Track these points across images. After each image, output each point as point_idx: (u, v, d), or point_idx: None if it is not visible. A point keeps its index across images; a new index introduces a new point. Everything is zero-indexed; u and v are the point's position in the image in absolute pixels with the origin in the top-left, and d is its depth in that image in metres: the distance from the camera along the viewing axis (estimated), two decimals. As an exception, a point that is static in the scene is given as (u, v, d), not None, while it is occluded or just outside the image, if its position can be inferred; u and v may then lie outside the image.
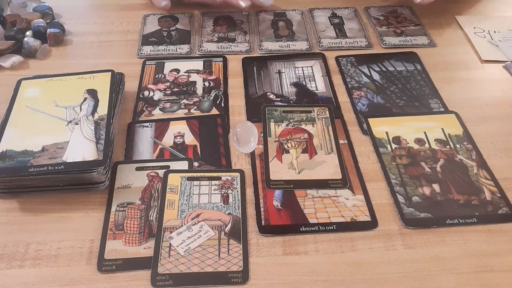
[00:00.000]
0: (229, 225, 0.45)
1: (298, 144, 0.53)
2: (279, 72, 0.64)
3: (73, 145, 0.48)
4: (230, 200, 0.48)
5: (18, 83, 0.56)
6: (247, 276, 0.42)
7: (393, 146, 0.53)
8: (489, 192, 0.48)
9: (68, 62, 0.66)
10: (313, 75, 0.64)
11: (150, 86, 0.62)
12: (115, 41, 0.70)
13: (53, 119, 0.51)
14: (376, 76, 0.63)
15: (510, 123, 0.57)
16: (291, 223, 0.46)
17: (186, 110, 0.58)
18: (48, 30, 0.68)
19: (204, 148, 0.53)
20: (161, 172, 0.50)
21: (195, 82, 0.62)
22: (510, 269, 0.42)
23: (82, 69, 0.58)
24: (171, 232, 0.45)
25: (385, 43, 0.68)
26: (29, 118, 0.51)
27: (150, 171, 0.50)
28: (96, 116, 0.51)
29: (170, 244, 0.44)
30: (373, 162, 0.52)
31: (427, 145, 0.53)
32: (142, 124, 0.56)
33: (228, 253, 0.43)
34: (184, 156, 0.52)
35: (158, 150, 0.53)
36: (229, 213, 0.46)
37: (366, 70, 0.64)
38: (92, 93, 0.54)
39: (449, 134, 0.54)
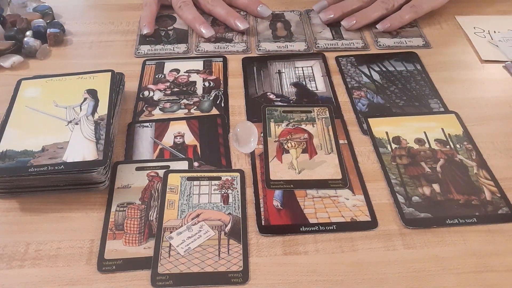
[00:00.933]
0: (229, 225, 0.45)
1: (298, 144, 0.53)
2: (279, 72, 0.64)
3: (73, 145, 0.48)
4: (230, 200, 0.48)
5: (18, 83, 0.56)
6: (247, 276, 0.42)
7: (393, 146, 0.53)
8: (489, 192, 0.48)
9: (68, 62, 0.66)
10: (313, 75, 0.64)
11: (150, 86, 0.62)
12: (115, 41, 0.70)
13: (53, 119, 0.51)
14: (376, 76, 0.63)
15: (510, 123, 0.57)
16: (291, 223, 0.46)
17: (186, 110, 0.58)
18: (48, 30, 0.68)
19: (204, 148, 0.53)
20: (161, 172, 0.50)
21: (195, 82, 0.62)
22: (510, 269, 0.42)
23: (82, 69, 0.58)
24: (171, 232, 0.45)
25: (380, 45, 0.68)
26: (29, 118, 0.51)
27: (150, 171, 0.50)
28: (96, 116, 0.51)
29: (170, 244, 0.44)
30: (373, 162, 0.52)
31: (427, 145, 0.53)
32: (142, 124, 0.56)
33: (228, 253, 0.43)
34: (184, 156, 0.52)
35: (158, 150, 0.53)
36: (229, 213, 0.46)
37: (366, 70, 0.64)
38: (92, 93, 0.54)
39: (449, 134, 0.54)
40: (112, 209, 0.47)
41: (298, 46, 0.68)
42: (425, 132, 0.55)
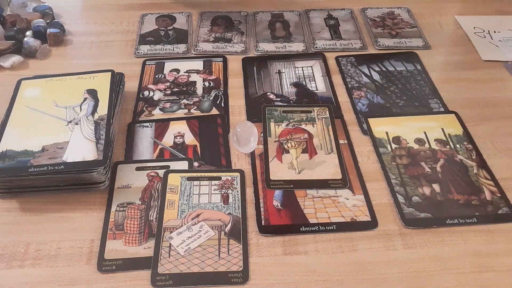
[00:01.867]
0: (229, 225, 0.45)
1: (298, 144, 0.53)
2: (279, 72, 0.64)
3: (73, 145, 0.48)
4: (230, 200, 0.47)
5: (18, 83, 0.56)
6: (247, 276, 0.42)
7: (393, 146, 0.53)
8: (489, 192, 0.48)
9: (68, 62, 0.66)
10: (313, 75, 0.64)
11: (150, 86, 0.62)
12: (115, 41, 0.70)
13: (53, 119, 0.51)
14: (376, 76, 0.63)
15: (510, 123, 0.57)
16: (291, 223, 0.46)
17: (186, 110, 0.58)
18: (48, 30, 0.68)
19: (204, 148, 0.53)
20: (161, 172, 0.50)
21: (195, 82, 0.62)
22: (510, 269, 0.42)
23: (82, 69, 0.58)
24: (171, 232, 0.45)
25: (379, 45, 0.68)
26: (29, 118, 0.51)
27: (150, 171, 0.50)
28: (96, 116, 0.51)
29: (170, 244, 0.44)
30: (373, 162, 0.52)
31: (427, 145, 0.53)
32: (142, 124, 0.56)
33: (228, 253, 0.43)
34: (184, 156, 0.52)
35: (158, 150, 0.53)
36: (229, 213, 0.46)
37: (366, 70, 0.64)
38: (92, 93, 0.54)
39: (449, 134, 0.54)
40: (112, 209, 0.47)
41: (296, 46, 0.68)
42: (425, 132, 0.55)
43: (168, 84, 0.62)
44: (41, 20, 0.70)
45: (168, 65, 0.65)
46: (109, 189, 0.48)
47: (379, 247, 0.44)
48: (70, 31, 0.71)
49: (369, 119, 0.56)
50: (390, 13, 0.75)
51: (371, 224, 0.46)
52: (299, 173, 0.50)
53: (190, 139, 0.54)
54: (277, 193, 0.49)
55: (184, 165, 0.51)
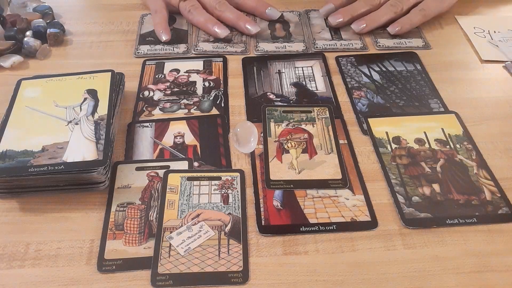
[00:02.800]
0: (229, 225, 0.45)
1: (298, 144, 0.53)
2: (279, 72, 0.64)
3: (73, 145, 0.48)
4: (230, 200, 0.48)
5: (18, 83, 0.56)
6: (247, 276, 0.42)
7: (393, 146, 0.53)
8: (489, 192, 0.48)
9: (68, 62, 0.66)
10: (313, 75, 0.64)
11: (150, 86, 0.62)
12: (115, 41, 0.70)
13: (53, 119, 0.51)
14: (376, 76, 0.63)
15: (510, 123, 0.57)
16: (291, 223, 0.46)
17: (186, 110, 0.58)
18: (48, 30, 0.68)
19: (204, 148, 0.53)
20: (161, 172, 0.50)
21: (195, 82, 0.62)
22: (510, 269, 0.42)
23: (82, 69, 0.58)
24: (171, 232, 0.45)
25: (379, 45, 0.68)
26: (29, 118, 0.51)
27: (150, 171, 0.50)
28: (96, 116, 0.51)
29: (170, 244, 0.44)
30: (373, 162, 0.52)
31: (427, 145, 0.53)
32: (142, 124, 0.56)
33: (228, 253, 0.43)
34: (184, 156, 0.52)
35: (158, 150, 0.53)
36: (229, 213, 0.46)
37: (366, 70, 0.64)
38: (92, 93, 0.54)
39: (449, 134, 0.54)
40: (112, 209, 0.47)
41: (296, 46, 0.68)
42: (425, 132, 0.55)
43: (168, 84, 0.62)
44: (41, 20, 0.70)
45: (168, 65, 0.65)
46: (109, 189, 0.48)
47: (379, 247, 0.44)
48: (70, 31, 0.71)
49: (369, 119, 0.56)
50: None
51: (371, 224, 0.46)
52: (299, 173, 0.50)
53: (190, 139, 0.54)
54: (277, 193, 0.49)
55: (184, 165, 0.51)
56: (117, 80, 0.56)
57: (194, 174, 0.50)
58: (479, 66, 0.65)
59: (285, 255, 0.43)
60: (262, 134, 0.55)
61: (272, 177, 0.50)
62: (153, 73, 0.64)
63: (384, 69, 0.64)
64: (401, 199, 0.48)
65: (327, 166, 0.51)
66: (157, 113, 0.58)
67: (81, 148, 0.47)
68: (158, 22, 0.70)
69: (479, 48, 0.67)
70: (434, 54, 0.67)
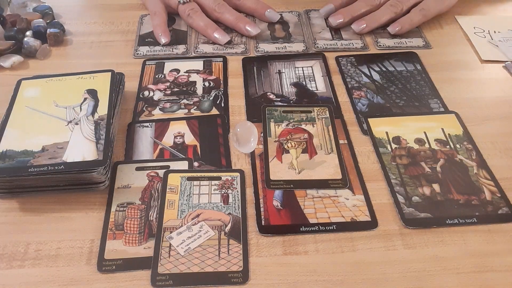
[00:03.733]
0: (229, 225, 0.45)
1: (298, 144, 0.53)
2: (279, 72, 0.64)
3: (73, 145, 0.48)
4: (230, 200, 0.48)
5: (18, 83, 0.56)
6: (247, 276, 0.42)
7: (393, 146, 0.53)
8: (489, 192, 0.48)
9: (68, 62, 0.66)
10: (313, 75, 0.64)
11: (150, 86, 0.62)
12: (115, 41, 0.70)
13: (53, 119, 0.51)
14: (376, 76, 0.63)
15: (510, 123, 0.57)
16: (291, 223, 0.46)
17: (186, 110, 0.58)
18: (48, 30, 0.68)
19: (204, 148, 0.53)
20: (161, 172, 0.50)
21: (195, 82, 0.62)
22: (510, 269, 0.42)
23: (82, 69, 0.58)
24: (171, 232, 0.45)
25: (380, 45, 0.68)
26: (29, 118, 0.51)
27: (150, 171, 0.50)
28: (96, 116, 0.51)
29: (170, 244, 0.44)
30: (373, 162, 0.52)
31: (427, 145, 0.53)
32: (142, 124, 0.56)
33: (228, 253, 0.43)
34: (184, 156, 0.52)
35: (158, 150, 0.53)
36: (229, 213, 0.46)
37: (366, 70, 0.64)
38: (92, 93, 0.54)
39: (449, 134, 0.54)
40: (112, 209, 0.47)
41: (296, 47, 0.68)
42: (425, 132, 0.55)
43: (168, 84, 0.62)
44: (41, 20, 0.70)
45: (168, 65, 0.65)
46: (109, 189, 0.48)
47: (379, 247, 0.44)
48: (70, 31, 0.71)
49: (369, 119, 0.56)
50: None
51: (371, 224, 0.46)
52: (299, 173, 0.50)
53: (190, 139, 0.54)
54: (277, 193, 0.49)
55: (184, 165, 0.51)
56: (117, 80, 0.56)
57: (194, 174, 0.50)
58: (479, 66, 0.65)
59: (285, 255, 0.43)
60: (262, 134, 0.55)
61: (272, 177, 0.50)
62: (153, 73, 0.64)
63: (384, 69, 0.64)
64: (401, 199, 0.48)
65: (327, 166, 0.51)
66: (157, 113, 0.58)
67: (81, 148, 0.47)
68: (157, 24, 0.69)
69: (479, 48, 0.67)
70: (434, 54, 0.67)
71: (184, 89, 0.61)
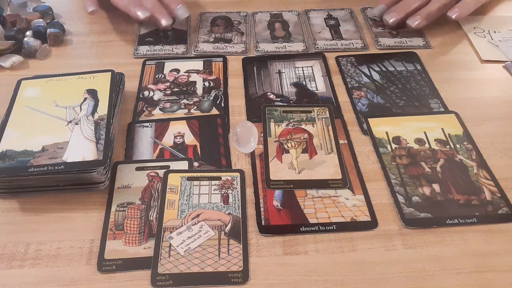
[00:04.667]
0: (229, 225, 0.45)
1: (298, 144, 0.53)
2: (279, 72, 0.64)
3: (73, 145, 0.48)
4: (230, 200, 0.48)
5: (18, 83, 0.56)
6: (247, 276, 0.42)
7: (393, 146, 0.53)
8: (489, 192, 0.48)
9: (68, 62, 0.66)
10: (313, 75, 0.64)
11: (150, 86, 0.62)
12: (115, 41, 0.70)
13: (53, 119, 0.51)
14: (376, 76, 0.63)
15: (510, 123, 0.57)
16: (291, 223, 0.46)
17: (186, 110, 0.58)
18: (48, 30, 0.68)
19: (204, 148, 0.53)
20: (161, 172, 0.50)
21: (195, 82, 0.62)
22: (510, 269, 0.42)
23: (82, 69, 0.58)
24: (171, 232, 0.45)
25: (380, 45, 0.68)
26: (29, 118, 0.51)
27: (150, 171, 0.50)
28: (96, 116, 0.51)
29: (170, 244, 0.44)
30: (373, 162, 0.52)
31: (427, 145, 0.53)
32: (142, 124, 0.56)
33: (228, 253, 0.43)
34: (184, 156, 0.52)
35: (158, 150, 0.53)
36: (229, 213, 0.46)
37: (366, 70, 0.64)
38: (92, 93, 0.54)
39: (449, 134, 0.54)
40: (112, 209, 0.47)
41: (296, 46, 0.68)
42: (425, 132, 0.55)
43: (168, 84, 0.62)
44: (41, 20, 0.70)
45: (168, 65, 0.65)
46: (109, 189, 0.48)
47: (379, 247, 0.44)
48: (70, 31, 0.71)
49: (369, 119, 0.56)
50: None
51: (371, 224, 0.46)
52: (299, 173, 0.50)
53: (190, 139, 0.54)
54: (277, 193, 0.49)
55: (184, 165, 0.51)
56: (117, 80, 0.56)
57: (194, 174, 0.50)
58: (479, 66, 0.65)
59: (285, 255, 0.43)
60: (262, 134, 0.55)
61: (272, 177, 0.50)
62: (153, 73, 0.64)
63: (384, 69, 0.64)
64: (401, 199, 0.48)
65: (327, 166, 0.51)
66: (157, 113, 0.58)
67: (81, 148, 0.47)
68: None
69: (479, 48, 0.67)
70: (434, 54, 0.67)
71: (184, 89, 0.61)
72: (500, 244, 0.44)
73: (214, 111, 0.58)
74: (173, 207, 0.47)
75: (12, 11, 0.74)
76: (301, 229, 0.45)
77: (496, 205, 0.47)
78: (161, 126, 0.56)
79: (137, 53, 0.67)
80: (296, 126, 0.56)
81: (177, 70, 0.64)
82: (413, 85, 0.62)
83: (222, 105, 0.59)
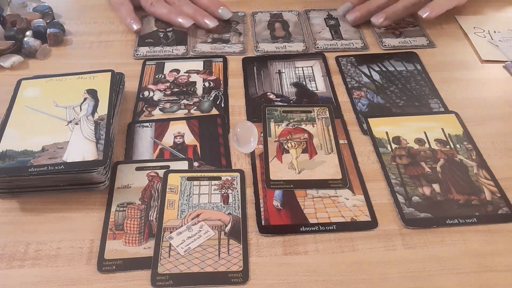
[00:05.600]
0: (229, 225, 0.45)
1: (298, 144, 0.53)
2: (279, 72, 0.64)
3: (73, 145, 0.48)
4: (230, 200, 0.48)
5: (18, 83, 0.56)
6: (247, 276, 0.42)
7: (393, 146, 0.53)
8: (489, 192, 0.48)
9: (68, 62, 0.66)
10: (313, 75, 0.64)
11: (150, 86, 0.62)
12: (115, 41, 0.70)
13: (53, 119, 0.51)
14: (376, 76, 0.63)
15: (510, 123, 0.57)
16: (291, 223, 0.46)
17: (186, 111, 0.58)
18: (48, 30, 0.68)
19: (204, 148, 0.53)
20: (161, 172, 0.50)
21: (195, 82, 0.62)
22: (510, 269, 0.42)
23: (82, 69, 0.58)
24: (171, 232, 0.45)
25: (385, 45, 0.68)
26: (29, 118, 0.51)
27: (150, 171, 0.50)
28: (96, 116, 0.51)
29: (170, 244, 0.44)
30: (373, 162, 0.52)
31: (427, 145, 0.53)
32: (142, 124, 0.56)
33: (228, 253, 0.43)
34: (184, 156, 0.52)
35: (158, 150, 0.53)
36: (229, 213, 0.46)
37: (366, 70, 0.64)
38: (92, 93, 0.54)
39: (449, 134, 0.54)
40: (112, 209, 0.47)
41: (296, 46, 0.68)
42: (425, 132, 0.55)
43: (168, 84, 0.62)
44: (41, 20, 0.70)
45: (168, 65, 0.65)
46: (109, 189, 0.48)
47: (379, 247, 0.44)
48: (70, 31, 0.71)
49: (369, 119, 0.56)
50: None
51: (371, 224, 0.46)
52: (299, 173, 0.50)
53: (190, 139, 0.54)
54: (277, 193, 0.49)
55: (184, 165, 0.51)
56: (117, 80, 0.56)
57: (194, 174, 0.50)
58: (479, 66, 0.65)
59: (285, 255, 0.43)
60: (262, 134, 0.55)
61: (272, 177, 0.50)
62: (153, 73, 0.64)
63: (384, 69, 0.64)
64: (401, 199, 0.48)
65: (327, 166, 0.51)
66: (157, 113, 0.58)
67: (81, 148, 0.47)
68: (125, 14, 0.70)
69: (479, 48, 0.67)
70: (434, 54, 0.67)
71: (184, 89, 0.61)
72: (500, 244, 0.44)
73: (214, 112, 0.58)
74: (173, 207, 0.47)
75: (12, 11, 0.74)
76: (301, 229, 0.45)
77: (496, 205, 0.47)
78: (161, 126, 0.56)
79: (137, 54, 0.67)
80: (296, 126, 0.56)
81: (177, 71, 0.64)
82: (413, 85, 0.62)
83: (222, 105, 0.59)
